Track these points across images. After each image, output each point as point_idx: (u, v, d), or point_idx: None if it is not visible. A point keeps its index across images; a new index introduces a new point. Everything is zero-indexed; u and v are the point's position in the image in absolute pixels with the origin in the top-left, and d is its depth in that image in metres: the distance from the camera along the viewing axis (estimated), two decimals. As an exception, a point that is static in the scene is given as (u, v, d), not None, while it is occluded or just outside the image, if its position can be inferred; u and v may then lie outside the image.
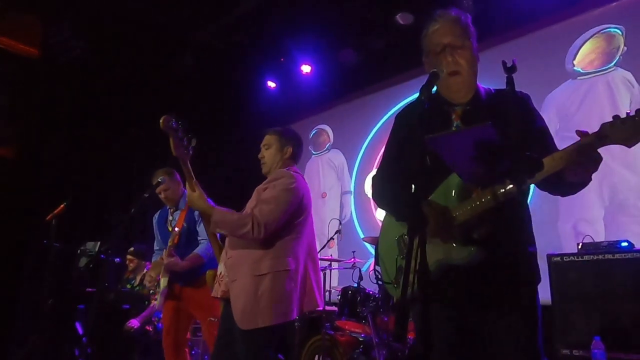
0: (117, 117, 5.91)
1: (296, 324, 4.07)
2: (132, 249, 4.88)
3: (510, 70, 1.15)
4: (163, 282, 3.29)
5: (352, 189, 6.24)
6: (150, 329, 4.62)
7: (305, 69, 6.44)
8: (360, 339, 3.76)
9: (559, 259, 3.23)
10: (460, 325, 1.47)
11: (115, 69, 5.70)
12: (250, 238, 2.18)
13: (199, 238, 3.34)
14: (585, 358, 2.91)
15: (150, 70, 5.93)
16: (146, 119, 6.41)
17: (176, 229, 3.22)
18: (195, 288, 3.22)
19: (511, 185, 1.29)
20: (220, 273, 2.32)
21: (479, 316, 1.46)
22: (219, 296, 2.29)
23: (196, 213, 3.33)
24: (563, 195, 1.48)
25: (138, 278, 4.88)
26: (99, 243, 4.50)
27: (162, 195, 3.43)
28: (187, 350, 3.35)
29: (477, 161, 1.13)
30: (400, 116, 1.74)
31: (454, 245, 1.43)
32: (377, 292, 3.62)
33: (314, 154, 6.87)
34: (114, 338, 4.47)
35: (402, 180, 1.63)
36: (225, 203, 2.61)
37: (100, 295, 4.04)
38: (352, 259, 4.08)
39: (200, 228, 3.33)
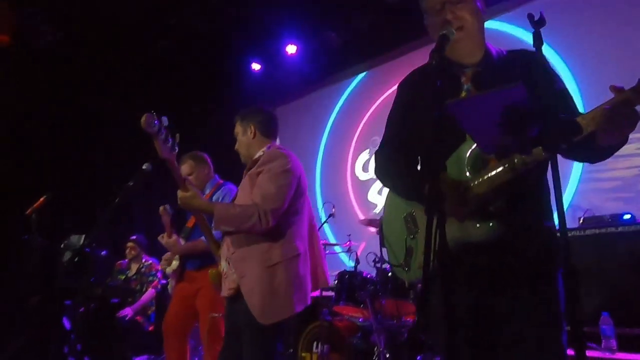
0: (95, 104, 5.68)
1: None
2: (134, 237, 4.76)
3: (538, 24, 1.02)
4: (173, 265, 3.15)
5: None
6: (141, 320, 4.49)
7: (291, 49, 6.26)
8: (359, 324, 3.67)
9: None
10: (477, 305, 1.36)
11: (91, 54, 5.46)
12: (257, 230, 2.04)
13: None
14: (590, 333, 2.85)
15: (128, 54, 5.70)
16: (126, 105, 6.23)
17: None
18: (205, 276, 3.07)
19: (529, 155, 1.18)
20: (224, 270, 2.19)
21: (496, 295, 1.35)
22: (226, 295, 2.16)
23: (215, 197, 3.19)
24: (592, 162, 1.37)
25: (134, 268, 4.74)
26: (83, 237, 4.34)
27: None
28: (188, 342, 3.22)
29: (503, 127, 1.01)
30: (405, 84, 1.60)
31: (470, 221, 1.32)
32: (374, 275, 3.53)
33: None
34: (103, 333, 4.34)
35: (409, 154, 1.51)
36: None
37: (88, 290, 3.88)
38: (348, 242, 3.98)
39: None
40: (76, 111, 5.66)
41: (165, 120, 2.03)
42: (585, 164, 3.44)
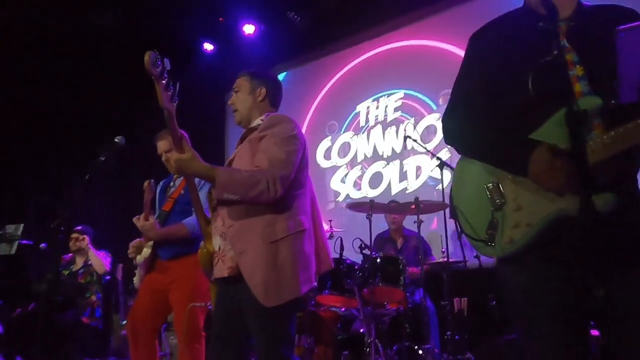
0: (28, 92, 5.02)
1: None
2: (79, 227, 4.22)
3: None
4: (144, 252, 2.76)
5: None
6: (87, 321, 4.02)
7: (248, 29, 5.92)
8: (341, 314, 3.49)
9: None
10: (576, 287, 1.22)
11: (28, 29, 4.81)
12: (265, 199, 1.77)
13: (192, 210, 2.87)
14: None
15: (68, 32, 5.10)
16: (65, 93, 5.60)
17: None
18: (181, 266, 2.74)
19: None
20: (220, 247, 1.89)
21: (599, 276, 1.21)
22: (225, 275, 1.86)
23: (197, 179, 2.84)
24: None
25: (80, 262, 4.21)
26: (21, 226, 3.78)
27: (163, 159, 2.92)
28: (157, 342, 2.85)
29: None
30: (482, 37, 1.41)
31: (573, 194, 1.17)
32: (360, 262, 3.36)
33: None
34: (45, 335, 3.81)
35: (494, 115, 1.33)
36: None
37: (31, 286, 3.37)
38: (330, 229, 3.77)
39: (202, 195, 2.86)
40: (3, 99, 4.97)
41: (167, 63, 1.75)
42: None
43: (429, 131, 5.00)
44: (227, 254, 1.84)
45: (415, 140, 3.54)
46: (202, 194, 2.82)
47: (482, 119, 1.34)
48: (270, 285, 1.74)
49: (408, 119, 5.14)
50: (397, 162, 5.13)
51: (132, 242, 2.85)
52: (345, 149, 5.59)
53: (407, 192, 4.97)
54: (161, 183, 3.12)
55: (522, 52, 1.29)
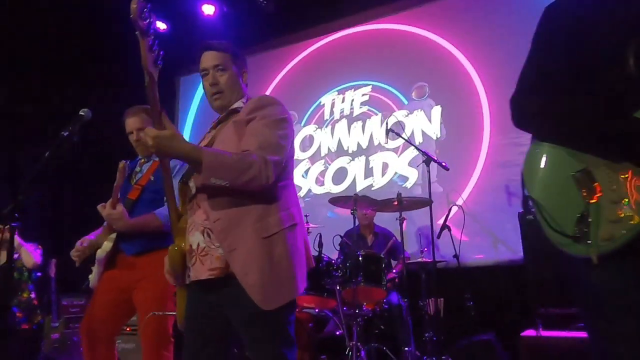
0: None
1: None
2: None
3: None
4: (105, 246, 2.38)
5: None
6: (27, 326, 3.51)
7: (208, 9, 5.52)
8: (314, 314, 3.28)
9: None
10: None
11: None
12: (256, 186, 1.54)
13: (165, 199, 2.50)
14: (562, 315, 2.86)
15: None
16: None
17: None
18: (149, 262, 2.38)
19: None
20: (199, 245, 1.61)
21: None
22: (203, 278, 1.59)
23: (172, 165, 2.50)
24: None
25: (3, 255, 3.66)
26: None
27: (133, 138, 2.55)
28: (115, 347, 2.48)
29: None
30: (566, 9, 1.25)
31: None
32: (338, 260, 3.15)
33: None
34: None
35: (586, 95, 1.17)
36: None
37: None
38: (307, 224, 3.53)
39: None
40: None
41: (154, 19, 1.51)
42: None
43: (397, 128, 4.89)
44: (211, 252, 1.58)
45: (398, 134, 3.39)
46: (176, 179, 2.51)
47: (572, 98, 1.18)
48: (267, 286, 1.52)
49: (375, 114, 5.01)
50: (363, 158, 4.99)
51: (80, 242, 2.45)
52: (307, 142, 5.36)
53: (372, 189, 4.84)
54: (126, 165, 2.75)
55: (620, 25, 1.15)
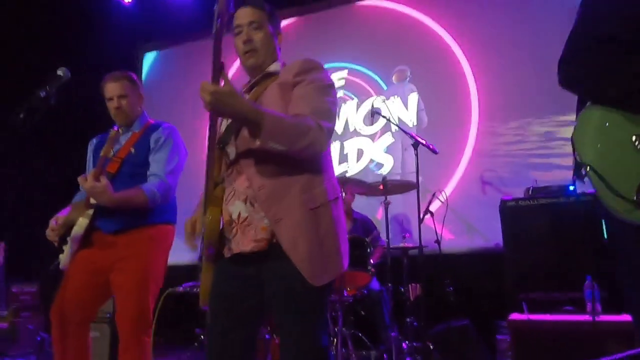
0: None
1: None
2: None
3: None
4: (80, 222, 2.16)
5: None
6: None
7: (176, -17, 5.26)
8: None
9: (513, 203, 3.16)
10: None
11: None
12: (311, 153, 1.45)
13: (148, 173, 2.29)
14: (543, 300, 2.89)
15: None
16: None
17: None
18: (131, 241, 2.21)
19: None
20: (240, 215, 1.48)
21: None
22: (247, 250, 1.47)
23: (153, 138, 2.31)
24: None
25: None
26: None
27: (113, 105, 2.34)
28: (90, 332, 2.28)
29: None
30: None
31: None
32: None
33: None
34: None
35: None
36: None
37: None
38: None
39: (156, 158, 2.30)
40: None
41: None
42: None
43: (369, 116, 4.81)
44: (255, 222, 1.47)
45: (385, 117, 3.32)
46: (163, 154, 2.34)
47: (629, 58, 1.13)
48: (316, 260, 1.42)
49: (351, 99, 4.93)
50: (338, 143, 4.90)
51: (53, 220, 2.24)
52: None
53: (347, 175, 4.77)
54: (94, 140, 2.54)
55: None
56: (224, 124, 1.60)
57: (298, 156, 1.44)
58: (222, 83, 1.35)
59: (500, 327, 3.54)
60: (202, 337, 3.25)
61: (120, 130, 2.40)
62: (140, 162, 2.31)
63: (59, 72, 1.90)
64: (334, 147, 4.89)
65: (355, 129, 4.85)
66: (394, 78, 4.71)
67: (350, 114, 4.90)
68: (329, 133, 1.48)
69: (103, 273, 2.24)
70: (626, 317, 2.37)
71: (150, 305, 2.25)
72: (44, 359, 3.97)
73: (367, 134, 4.79)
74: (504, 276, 3.18)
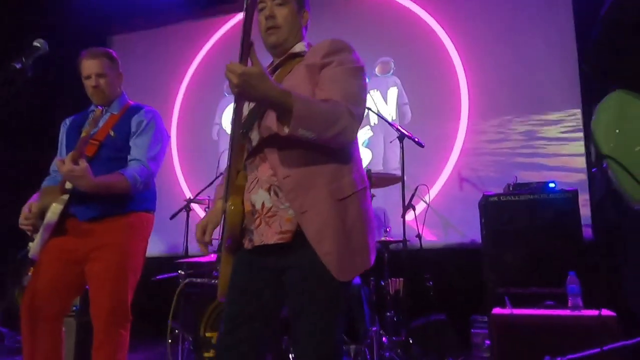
0: None
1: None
2: None
3: None
4: (54, 208, 2.01)
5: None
6: None
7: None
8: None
9: (496, 198, 3.18)
10: None
11: None
12: (342, 142, 1.36)
13: (129, 157, 2.15)
14: (522, 295, 2.92)
15: None
16: None
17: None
18: (108, 229, 2.08)
19: None
20: (264, 205, 1.40)
21: None
22: (271, 242, 1.38)
23: (134, 121, 2.17)
24: None
25: None
26: None
27: (91, 83, 2.20)
28: (63, 325, 2.13)
29: None
30: None
31: None
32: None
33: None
34: None
35: None
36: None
37: None
38: None
39: (138, 143, 2.16)
40: None
41: None
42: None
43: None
44: (280, 213, 1.38)
45: (370, 109, 3.26)
46: (145, 138, 2.21)
47: None
48: (343, 254, 1.34)
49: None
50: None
51: (26, 207, 2.10)
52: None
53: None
54: (67, 120, 2.38)
55: None
56: (245, 107, 1.51)
57: (327, 144, 1.35)
58: (250, 64, 1.24)
59: (475, 322, 3.60)
60: (176, 331, 3.12)
61: (98, 111, 2.26)
62: (120, 146, 2.18)
63: (36, 43, 1.74)
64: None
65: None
66: (376, 70, 4.63)
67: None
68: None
69: (78, 263, 2.10)
70: (607, 312, 2.41)
71: (128, 297, 2.13)
72: (2, 354, 3.74)
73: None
74: (482, 271, 3.21)
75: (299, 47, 1.55)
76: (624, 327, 2.36)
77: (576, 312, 2.49)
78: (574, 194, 3.06)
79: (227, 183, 1.46)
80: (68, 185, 2.06)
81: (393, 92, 4.58)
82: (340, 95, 1.36)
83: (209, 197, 3.81)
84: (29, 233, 2.08)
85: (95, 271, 2.08)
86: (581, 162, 3.85)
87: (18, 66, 1.64)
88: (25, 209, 2.07)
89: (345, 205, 1.38)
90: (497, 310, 2.64)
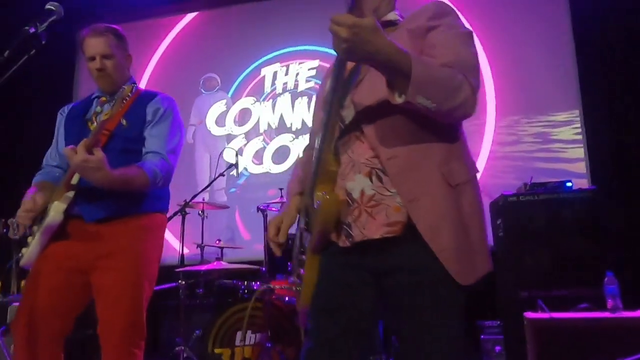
0: None
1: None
2: None
3: None
4: (57, 207, 1.68)
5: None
6: None
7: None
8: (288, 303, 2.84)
9: (515, 198, 3.06)
10: None
11: None
12: (461, 114, 1.14)
13: (144, 150, 1.85)
14: (545, 297, 2.80)
15: None
16: None
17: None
18: (120, 232, 1.78)
19: None
20: (364, 193, 1.17)
21: None
22: (376, 237, 1.14)
23: (150, 109, 1.87)
24: None
25: None
26: None
27: (95, 66, 1.87)
28: (62, 349, 1.78)
29: None
30: None
31: None
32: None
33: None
34: None
35: None
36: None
37: None
38: (280, 198, 3.05)
39: (154, 133, 1.86)
40: None
41: None
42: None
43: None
44: (385, 201, 1.14)
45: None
46: (163, 128, 1.93)
47: None
48: (462, 252, 1.12)
49: (323, 91, 4.65)
50: (308, 136, 4.59)
51: (30, 199, 1.76)
52: (243, 116, 4.81)
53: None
54: (66, 108, 2.06)
55: None
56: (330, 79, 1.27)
57: (443, 119, 1.13)
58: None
59: (484, 328, 3.46)
60: (176, 348, 2.80)
61: (104, 98, 1.95)
62: (134, 137, 1.87)
63: (50, 6, 1.45)
64: (304, 141, 4.57)
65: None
66: None
67: (321, 105, 4.62)
68: (477, 91, 1.17)
69: (83, 272, 1.78)
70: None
71: (144, 312, 1.82)
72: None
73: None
74: (497, 275, 3.06)
75: (392, 16, 1.34)
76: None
77: (617, 314, 2.38)
78: (595, 192, 2.99)
79: (318, 168, 1.22)
80: (74, 179, 1.74)
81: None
82: (455, 62, 1.14)
83: (203, 199, 3.52)
84: (25, 230, 1.73)
85: (106, 283, 1.76)
86: (582, 167, 3.85)
87: (31, 30, 1.35)
88: (28, 201, 1.73)
89: (460, 193, 1.16)
90: (531, 315, 2.49)
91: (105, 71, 1.89)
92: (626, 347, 2.24)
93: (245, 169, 4.66)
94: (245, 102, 4.83)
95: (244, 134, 4.76)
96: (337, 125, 1.23)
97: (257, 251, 3.81)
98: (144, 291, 1.81)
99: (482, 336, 3.37)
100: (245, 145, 4.74)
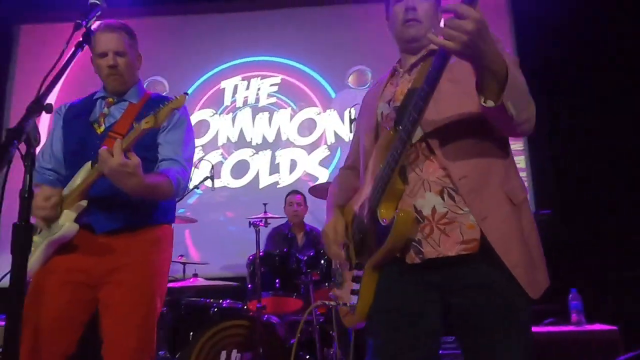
0: None
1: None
2: None
3: None
4: (69, 216, 1.51)
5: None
6: None
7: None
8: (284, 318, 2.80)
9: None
10: None
11: None
12: (527, 129, 1.17)
13: (160, 156, 1.73)
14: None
15: None
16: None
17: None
18: (132, 244, 1.67)
19: None
20: (435, 210, 1.19)
21: None
22: (451, 254, 1.16)
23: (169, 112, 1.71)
24: None
25: None
26: None
27: (107, 62, 1.72)
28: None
29: None
30: None
31: None
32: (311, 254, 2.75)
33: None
34: None
35: None
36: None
37: None
38: (264, 213, 2.97)
39: (170, 139, 1.74)
40: None
41: None
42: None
43: (304, 127, 4.60)
44: (459, 219, 1.17)
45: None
46: (179, 135, 1.84)
47: None
48: (529, 266, 1.17)
49: (285, 107, 4.66)
50: (269, 152, 4.58)
51: (47, 194, 1.58)
52: (200, 128, 4.67)
53: (278, 186, 4.47)
54: (64, 107, 1.90)
55: None
56: (387, 92, 1.28)
57: (511, 131, 1.18)
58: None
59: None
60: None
61: (111, 99, 1.83)
62: (147, 143, 1.76)
63: (95, 0, 1.35)
64: (264, 156, 4.55)
65: (288, 139, 4.59)
66: (350, 80, 4.56)
67: (283, 122, 4.62)
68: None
69: (92, 287, 1.64)
70: (608, 327, 2.56)
71: (155, 330, 1.71)
72: None
73: (301, 144, 4.57)
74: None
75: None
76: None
77: (581, 327, 2.60)
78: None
79: (382, 185, 1.22)
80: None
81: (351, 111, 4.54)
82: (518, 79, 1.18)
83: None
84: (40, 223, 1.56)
85: (116, 299, 1.62)
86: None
87: (83, 23, 1.25)
88: (43, 196, 1.55)
89: (521, 211, 1.22)
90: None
91: (117, 69, 1.77)
92: (592, 358, 2.45)
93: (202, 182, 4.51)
94: (203, 113, 4.70)
95: (201, 146, 4.61)
96: (407, 144, 1.20)
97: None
98: (156, 308, 1.70)
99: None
100: (201, 158, 4.59)
